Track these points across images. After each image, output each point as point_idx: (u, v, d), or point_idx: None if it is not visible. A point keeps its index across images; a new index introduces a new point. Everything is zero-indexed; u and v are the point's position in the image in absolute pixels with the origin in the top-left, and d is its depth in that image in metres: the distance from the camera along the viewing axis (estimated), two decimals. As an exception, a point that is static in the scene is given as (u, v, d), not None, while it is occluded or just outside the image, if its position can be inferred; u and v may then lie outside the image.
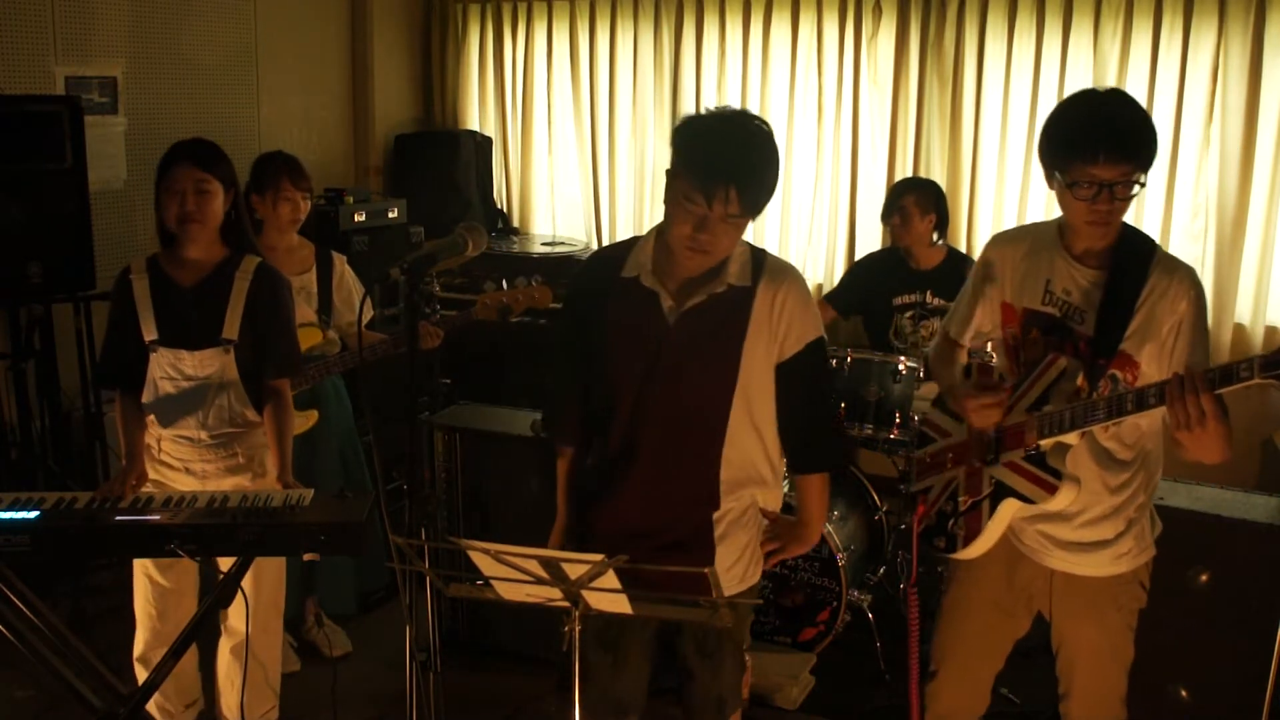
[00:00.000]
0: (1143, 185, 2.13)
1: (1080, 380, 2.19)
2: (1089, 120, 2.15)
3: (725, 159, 1.99)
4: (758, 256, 2.20)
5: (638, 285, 2.16)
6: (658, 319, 2.15)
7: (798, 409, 2.22)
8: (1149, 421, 2.22)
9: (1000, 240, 2.44)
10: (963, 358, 2.49)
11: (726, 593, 2.15)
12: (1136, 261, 2.20)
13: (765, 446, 2.23)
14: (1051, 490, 2.19)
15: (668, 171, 2.09)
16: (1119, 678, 2.36)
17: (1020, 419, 2.26)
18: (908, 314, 4.29)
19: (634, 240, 2.27)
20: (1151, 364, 2.18)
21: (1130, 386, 2.16)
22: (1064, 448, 2.21)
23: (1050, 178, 2.21)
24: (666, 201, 2.09)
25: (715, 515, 2.21)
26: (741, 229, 2.10)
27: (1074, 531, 2.29)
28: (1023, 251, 2.34)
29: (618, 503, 2.22)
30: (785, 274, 2.20)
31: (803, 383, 2.21)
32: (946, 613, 2.51)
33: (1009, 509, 2.28)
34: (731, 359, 2.15)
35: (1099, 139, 2.09)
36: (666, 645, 2.33)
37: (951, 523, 2.42)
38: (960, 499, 2.40)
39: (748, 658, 3.33)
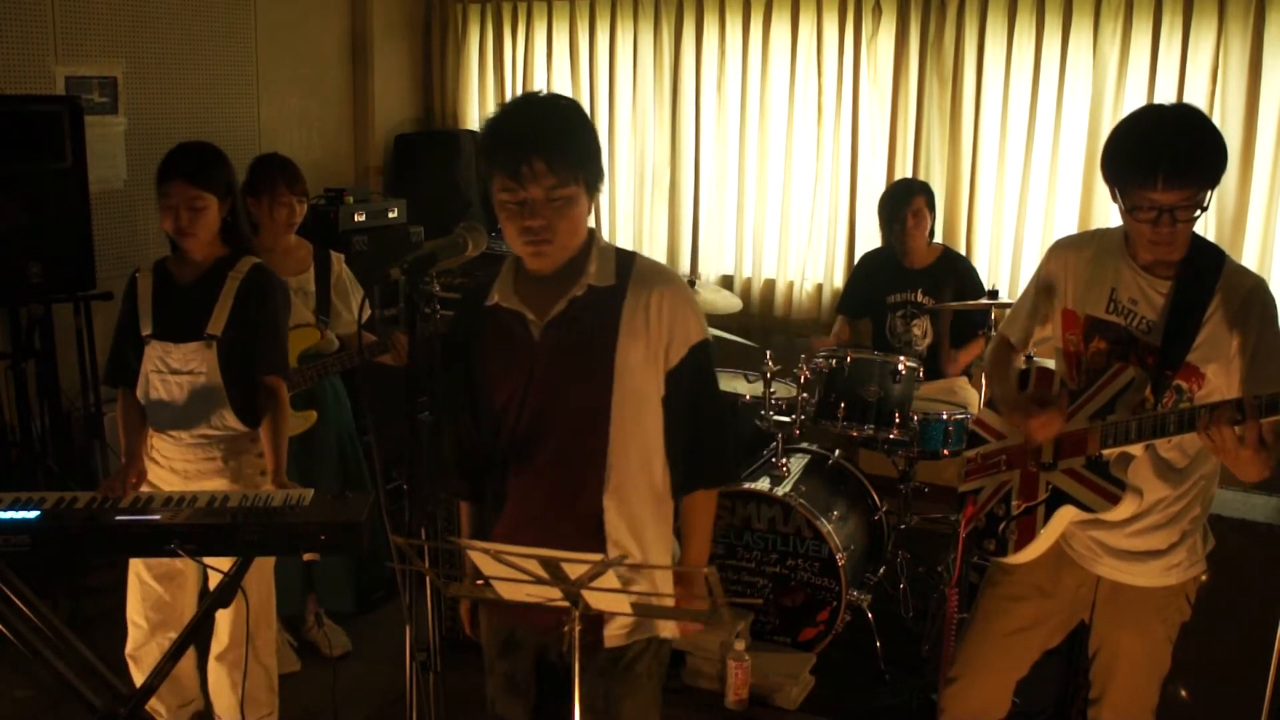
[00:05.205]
0: (1205, 208, 2.06)
1: (1147, 392, 2.15)
2: (1148, 142, 2.06)
3: (519, 133, 1.90)
4: (624, 257, 2.05)
5: (501, 310, 2.03)
6: (525, 340, 2.01)
7: (682, 417, 2.04)
8: None
9: (1063, 245, 2.38)
10: (1020, 363, 2.46)
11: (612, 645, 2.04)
12: (1205, 273, 2.14)
13: (654, 477, 2.05)
14: (1114, 500, 2.16)
15: (486, 179, 1.96)
16: (1153, 688, 2.34)
17: (1083, 426, 2.22)
18: (899, 313, 4.29)
19: (499, 269, 2.11)
20: (1219, 376, 2.13)
21: (1193, 396, 2.13)
22: (1128, 458, 2.18)
23: (1114, 195, 2.15)
24: (497, 212, 1.96)
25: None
26: (574, 204, 1.93)
27: (1126, 540, 2.25)
28: (1087, 257, 2.29)
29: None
30: (661, 275, 2.05)
31: (688, 389, 2.03)
32: (980, 618, 2.46)
33: (1065, 515, 2.25)
34: (604, 369, 1.98)
35: (1157, 163, 2.01)
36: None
37: (1003, 526, 2.38)
38: (1014, 502, 2.37)
39: (747, 657, 3.33)
